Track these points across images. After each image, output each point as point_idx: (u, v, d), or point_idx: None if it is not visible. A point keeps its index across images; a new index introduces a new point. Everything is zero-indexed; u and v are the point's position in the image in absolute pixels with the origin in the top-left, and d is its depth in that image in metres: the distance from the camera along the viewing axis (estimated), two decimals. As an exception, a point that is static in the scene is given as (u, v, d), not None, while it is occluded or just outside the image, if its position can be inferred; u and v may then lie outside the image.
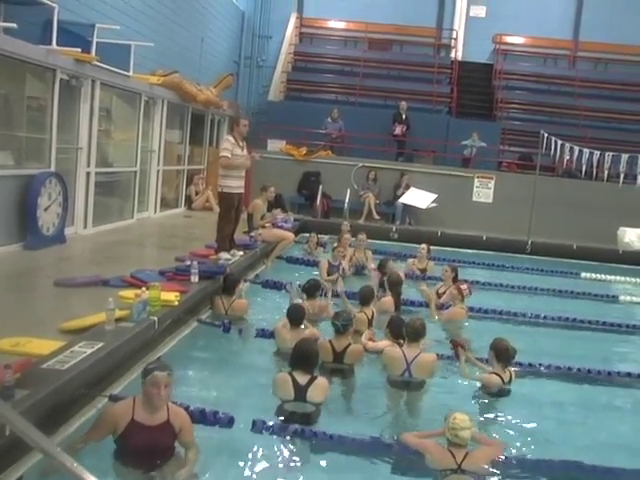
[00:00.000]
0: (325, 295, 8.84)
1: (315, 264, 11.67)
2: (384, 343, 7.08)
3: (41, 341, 5.33)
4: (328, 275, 10.63)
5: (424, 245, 11.99)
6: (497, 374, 6.46)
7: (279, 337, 7.09)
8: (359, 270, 11.61)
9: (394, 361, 6.54)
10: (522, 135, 20.36)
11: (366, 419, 5.84)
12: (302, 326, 7.14)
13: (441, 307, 9.33)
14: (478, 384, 6.56)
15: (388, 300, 8.81)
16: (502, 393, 6.42)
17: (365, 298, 8.23)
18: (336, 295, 8.94)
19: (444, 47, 24.17)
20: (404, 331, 6.73)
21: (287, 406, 5.57)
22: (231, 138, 9.56)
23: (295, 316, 7.07)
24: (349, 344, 6.80)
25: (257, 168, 13.42)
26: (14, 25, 8.21)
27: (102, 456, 4.38)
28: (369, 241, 12.35)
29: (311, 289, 8.39)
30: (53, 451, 3.01)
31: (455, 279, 9.73)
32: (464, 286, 9.09)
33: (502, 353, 6.49)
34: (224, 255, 9.45)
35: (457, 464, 4.65)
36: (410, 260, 11.91)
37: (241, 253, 10.09)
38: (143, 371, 4.57)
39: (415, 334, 6.61)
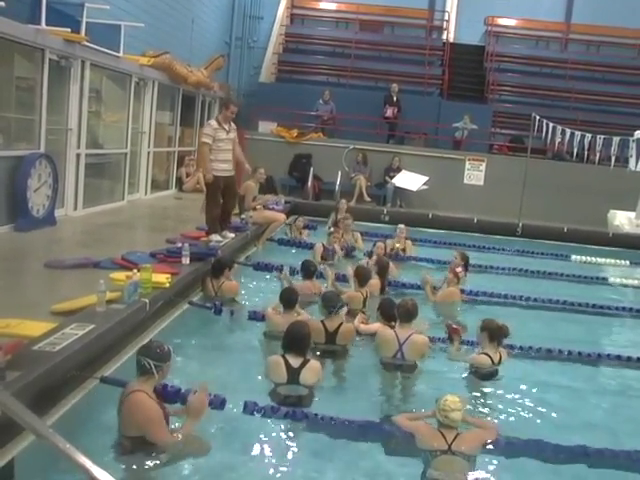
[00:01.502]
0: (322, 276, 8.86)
1: (305, 246, 11.72)
2: (376, 325, 7.09)
3: (32, 323, 5.33)
4: (322, 259, 10.62)
5: (402, 226, 12.03)
6: (487, 354, 6.48)
7: (270, 321, 7.08)
8: (348, 252, 11.60)
9: (386, 342, 6.55)
10: (513, 118, 20.35)
11: (358, 401, 5.86)
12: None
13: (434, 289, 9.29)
14: (468, 366, 6.59)
15: (375, 283, 8.83)
16: (492, 374, 6.44)
17: (364, 278, 8.28)
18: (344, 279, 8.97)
19: (436, 29, 24.07)
20: (396, 312, 6.74)
21: (280, 389, 5.58)
22: (215, 123, 9.43)
23: (288, 299, 7.05)
24: (341, 323, 6.81)
25: (249, 150, 13.40)
26: (2, 4, 8.09)
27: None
28: (361, 223, 12.36)
29: (310, 269, 8.42)
30: (45, 432, 3.01)
31: (466, 267, 9.76)
32: (459, 269, 9.12)
33: (495, 332, 6.48)
34: (215, 237, 9.46)
35: (447, 444, 4.67)
36: (389, 241, 11.93)
37: (232, 235, 10.05)
38: (163, 355, 4.58)
39: (407, 315, 6.62)
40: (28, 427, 3.09)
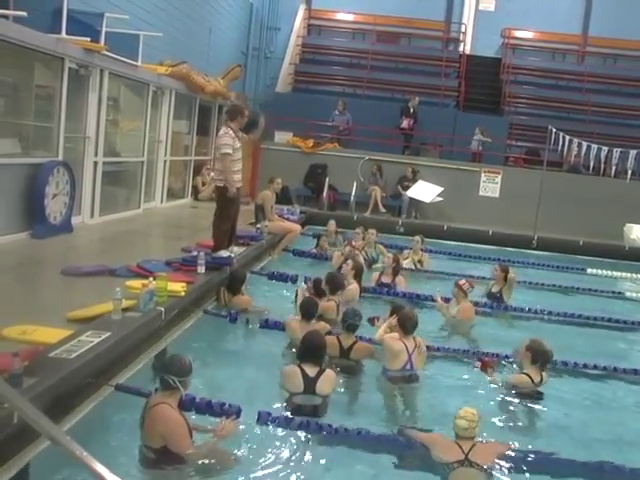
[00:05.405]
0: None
1: (320, 257, 11.76)
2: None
3: (48, 330, 5.35)
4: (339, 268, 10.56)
5: (417, 238, 11.83)
6: (527, 374, 6.37)
7: (288, 327, 7.11)
8: (370, 264, 11.45)
9: (401, 353, 6.48)
10: (530, 130, 20.29)
11: (371, 412, 5.85)
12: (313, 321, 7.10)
13: (446, 301, 9.17)
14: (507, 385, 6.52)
15: (354, 288, 8.78)
16: (532, 395, 6.33)
17: (334, 286, 8.14)
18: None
19: (452, 40, 24.10)
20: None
21: (296, 399, 5.58)
22: (231, 132, 8.71)
23: (308, 311, 7.06)
24: (355, 342, 6.80)
25: (264, 160, 13.42)
26: (24, 13, 8.20)
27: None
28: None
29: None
30: (63, 439, 3.01)
31: (506, 278, 9.73)
32: (462, 281, 8.86)
33: (539, 355, 6.37)
34: (224, 254, 8.96)
35: (464, 454, 4.64)
36: (405, 252, 11.85)
37: (241, 250, 9.66)
38: (185, 369, 4.60)
39: (415, 325, 6.62)
40: (45, 434, 3.10)
